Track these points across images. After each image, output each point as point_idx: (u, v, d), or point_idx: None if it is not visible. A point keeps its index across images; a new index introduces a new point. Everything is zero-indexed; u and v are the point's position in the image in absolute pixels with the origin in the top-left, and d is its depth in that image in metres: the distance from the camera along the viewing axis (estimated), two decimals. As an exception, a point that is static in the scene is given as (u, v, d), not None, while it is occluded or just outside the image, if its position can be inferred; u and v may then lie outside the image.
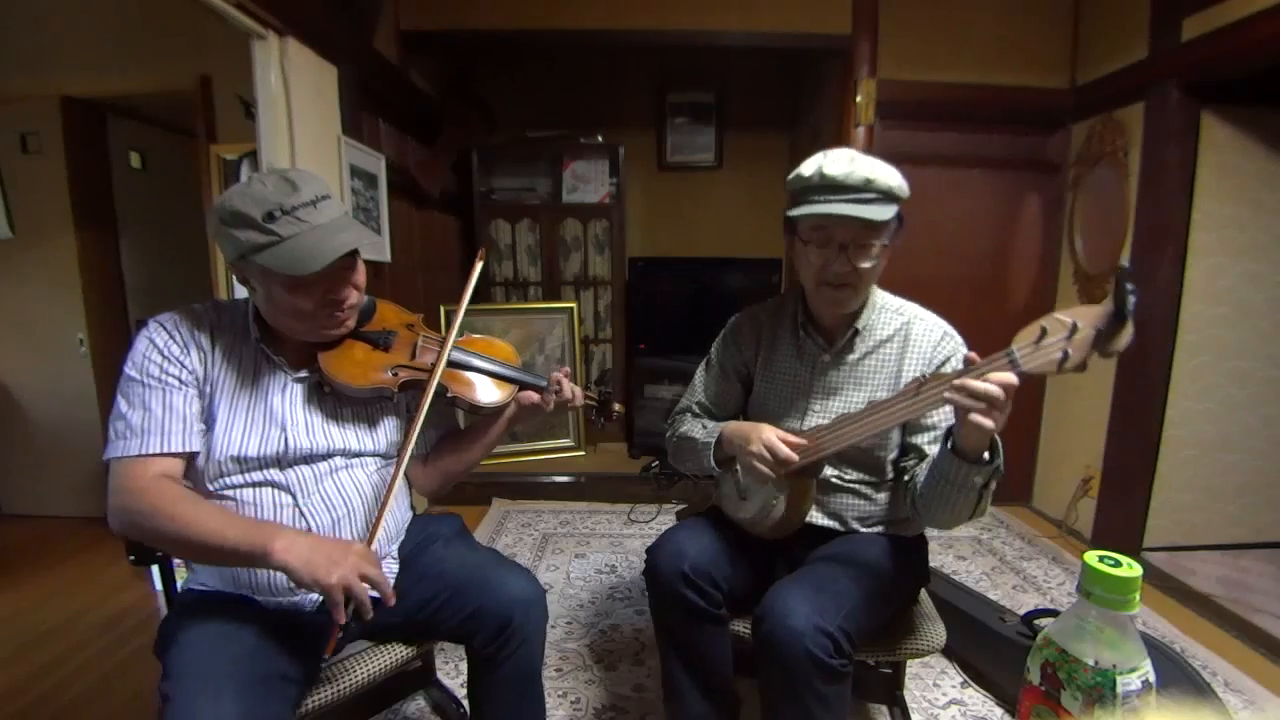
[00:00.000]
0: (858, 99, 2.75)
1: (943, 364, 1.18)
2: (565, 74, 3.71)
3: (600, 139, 3.49)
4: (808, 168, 1.13)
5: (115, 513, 0.94)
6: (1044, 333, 0.87)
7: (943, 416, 1.15)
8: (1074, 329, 0.84)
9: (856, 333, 1.23)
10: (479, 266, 1.22)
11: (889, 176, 1.10)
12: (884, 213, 1.08)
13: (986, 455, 0.98)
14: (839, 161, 1.09)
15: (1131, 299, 0.80)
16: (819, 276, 1.16)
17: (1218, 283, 2.37)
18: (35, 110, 2.57)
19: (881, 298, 1.26)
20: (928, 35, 2.76)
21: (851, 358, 1.24)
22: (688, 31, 2.82)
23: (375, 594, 0.92)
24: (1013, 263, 2.94)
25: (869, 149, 2.81)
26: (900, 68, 2.75)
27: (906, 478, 1.17)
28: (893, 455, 1.22)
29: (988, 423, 0.89)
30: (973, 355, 0.93)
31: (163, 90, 2.49)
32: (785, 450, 1.10)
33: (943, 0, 2.75)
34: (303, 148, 1.96)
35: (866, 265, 1.12)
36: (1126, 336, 0.83)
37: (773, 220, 4.59)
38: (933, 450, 1.11)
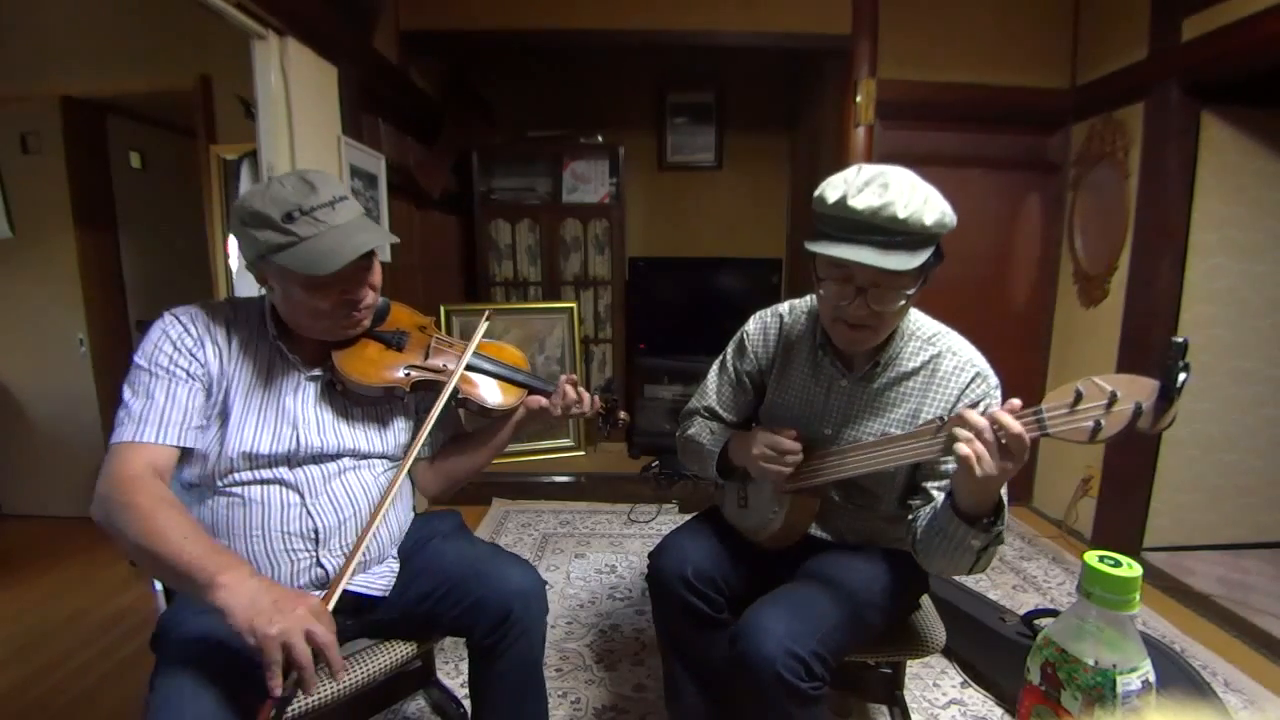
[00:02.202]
0: (858, 99, 2.75)
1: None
2: (565, 74, 3.71)
3: (600, 139, 3.49)
4: (832, 191, 0.97)
5: (98, 497, 0.91)
6: (1079, 397, 0.79)
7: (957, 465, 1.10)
8: (1113, 399, 0.77)
9: (878, 364, 1.12)
10: (484, 327, 1.25)
11: (927, 214, 0.93)
12: (911, 261, 0.93)
13: (989, 520, 0.93)
14: (868, 194, 0.93)
15: (1182, 376, 0.73)
16: (834, 313, 1.05)
17: (1218, 283, 2.36)
18: (35, 110, 2.57)
19: (914, 324, 1.14)
20: (928, 35, 2.76)
21: (871, 388, 1.14)
22: (687, 31, 2.83)
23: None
24: (1013, 263, 2.94)
25: (869, 149, 2.82)
26: (900, 68, 2.75)
27: (910, 516, 1.10)
28: (899, 493, 1.16)
29: (974, 460, 0.83)
30: (1012, 404, 0.86)
31: (163, 90, 2.49)
32: (787, 442, 1.10)
33: (943, 0, 2.75)
34: (303, 148, 1.95)
35: (888, 310, 1.00)
36: (1171, 417, 0.75)
37: (773, 220, 4.56)
38: (940, 498, 1.05)
